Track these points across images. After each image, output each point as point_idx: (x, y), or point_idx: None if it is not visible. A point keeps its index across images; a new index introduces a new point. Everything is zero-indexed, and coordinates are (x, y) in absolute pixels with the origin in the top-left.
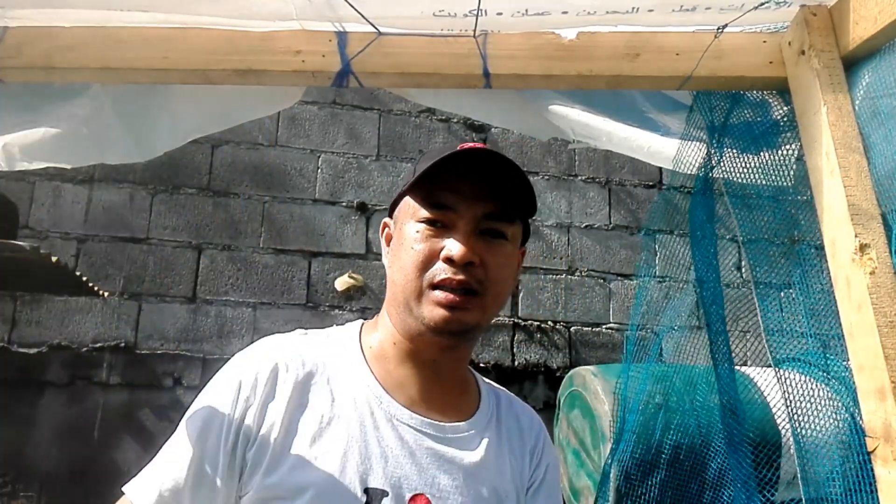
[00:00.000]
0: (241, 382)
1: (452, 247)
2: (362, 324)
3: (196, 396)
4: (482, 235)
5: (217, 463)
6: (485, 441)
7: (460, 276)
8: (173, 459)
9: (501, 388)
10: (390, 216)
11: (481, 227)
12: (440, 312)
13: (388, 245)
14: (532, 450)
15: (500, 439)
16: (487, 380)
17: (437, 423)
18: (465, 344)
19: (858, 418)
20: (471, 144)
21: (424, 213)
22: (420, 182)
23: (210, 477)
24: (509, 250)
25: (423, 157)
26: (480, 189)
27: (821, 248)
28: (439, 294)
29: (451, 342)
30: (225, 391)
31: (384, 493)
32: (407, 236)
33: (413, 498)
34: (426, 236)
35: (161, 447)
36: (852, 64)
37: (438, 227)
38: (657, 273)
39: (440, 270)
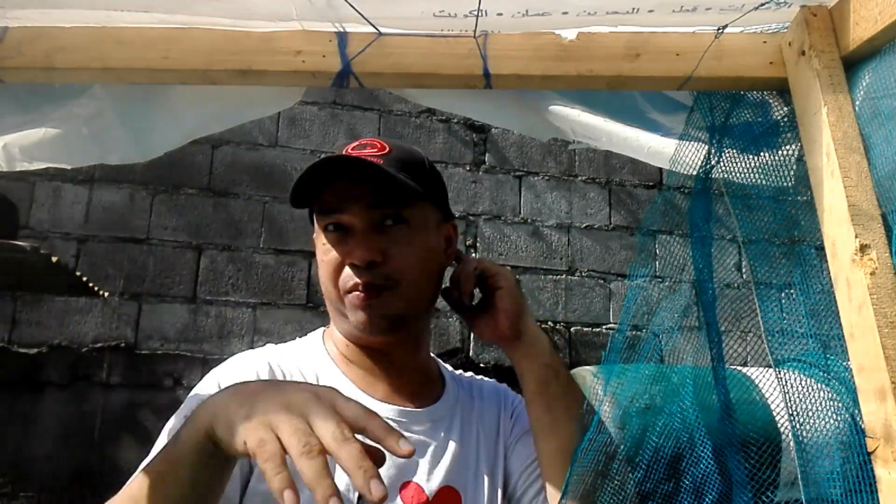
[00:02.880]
0: None
1: (352, 251)
2: (324, 330)
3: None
4: (383, 227)
5: None
6: (458, 419)
7: (364, 278)
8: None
9: (462, 372)
10: (313, 225)
11: (377, 219)
12: (360, 315)
13: None
14: (504, 408)
15: (471, 414)
16: (448, 366)
17: (412, 410)
18: (406, 331)
19: (859, 419)
20: (356, 143)
21: (323, 223)
22: (305, 195)
23: None
24: (413, 235)
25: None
26: (361, 183)
27: (821, 248)
28: (352, 297)
29: (385, 336)
30: None
31: None
32: (318, 249)
33: (403, 486)
34: (332, 245)
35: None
36: (853, 64)
37: (341, 232)
38: (654, 273)
39: (348, 277)
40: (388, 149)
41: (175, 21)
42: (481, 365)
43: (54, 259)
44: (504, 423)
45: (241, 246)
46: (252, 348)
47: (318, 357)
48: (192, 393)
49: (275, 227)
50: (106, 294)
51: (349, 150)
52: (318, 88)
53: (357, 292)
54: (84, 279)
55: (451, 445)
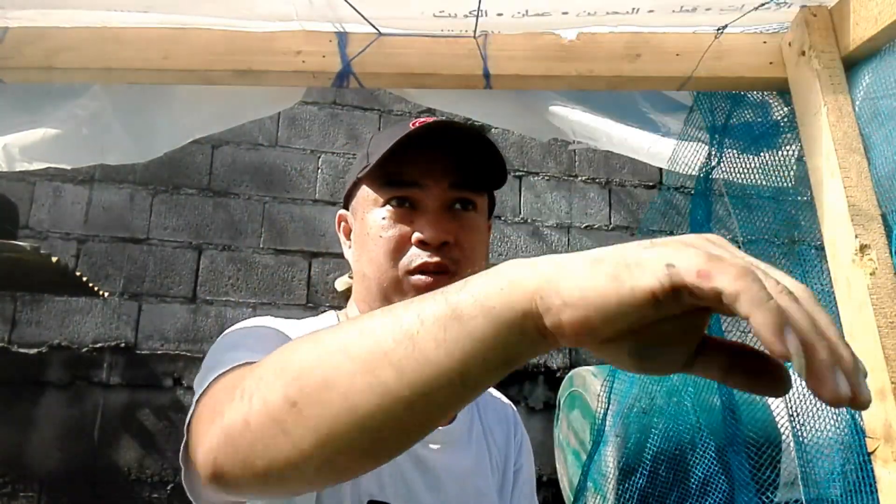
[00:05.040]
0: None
1: (425, 229)
2: (337, 315)
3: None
4: (452, 209)
5: None
6: (472, 441)
7: (436, 259)
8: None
9: None
10: (346, 208)
11: (451, 201)
12: None
13: (349, 239)
14: (514, 439)
15: (484, 436)
16: None
17: None
18: None
19: (859, 419)
20: (424, 119)
21: (388, 195)
22: (382, 164)
23: None
24: (480, 222)
25: (374, 139)
26: (446, 159)
27: (821, 248)
28: (418, 279)
29: None
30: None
31: None
32: (372, 225)
33: None
34: (394, 221)
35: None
36: (853, 64)
37: (406, 207)
38: None
39: (415, 256)
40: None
41: (175, 21)
42: None
43: (54, 259)
44: (510, 452)
45: (241, 246)
46: None
47: None
48: (211, 353)
49: (275, 227)
50: (106, 294)
51: (418, 125)
52: (318, 88)
53: (425, 276)
54: (84, 279)
55: (463, 472)
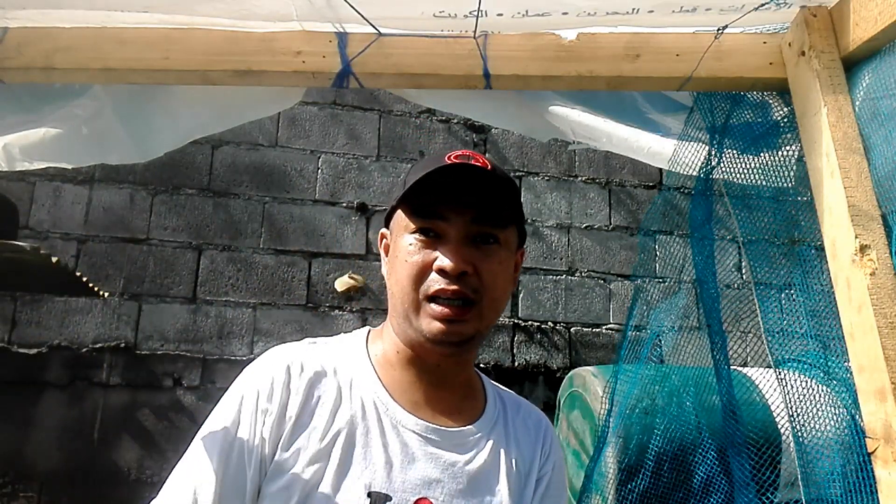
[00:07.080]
0: (258, 392)
1: (444, 258)
2: (369, 331)
3: (211, 401)
4: (474, 242)
5: (244, 479)
6: (489, 444)
7: (454, 287)
8: (195, 476)
9: (508, 390)
10: (386, 226)
11: (472, 234)
12: (437, 326)
13: (387, 255)
14: (541, 448)
15: (506, 442)
16: (494, 382)
17: (441, 428)
18: (467, 350)
19: (859, 419)
20: (458, 152)
21: (415, 225)
22: (409, 194)
23: (238, 490)
24: (503, 255)
25: (413, 167)
26: (468, 196)
27: (821, 249)
28: (435, 307)
29: (451, 351)
30: (244, 403)
31: (387, 498)
32: (401, 249)
33: (416, 502)
34: (419, 248)
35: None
36: (852, 65)
37: (430, 236)
38: (655, 274)
39: (434, 282)
40: (489, 166)
41: (175, 21)
42: (481, 365)
43: (54, 259)
44: (536, 461)
45: (241, 246)
46: (252, 349)
47: (358, 359)
48: (230, 392)
49: (275, 227)
50: (106, 294)
51: (452, 159)
52: (318, 88)
53: (443, 307)
54: (84, 279)
55: (479, 471)
